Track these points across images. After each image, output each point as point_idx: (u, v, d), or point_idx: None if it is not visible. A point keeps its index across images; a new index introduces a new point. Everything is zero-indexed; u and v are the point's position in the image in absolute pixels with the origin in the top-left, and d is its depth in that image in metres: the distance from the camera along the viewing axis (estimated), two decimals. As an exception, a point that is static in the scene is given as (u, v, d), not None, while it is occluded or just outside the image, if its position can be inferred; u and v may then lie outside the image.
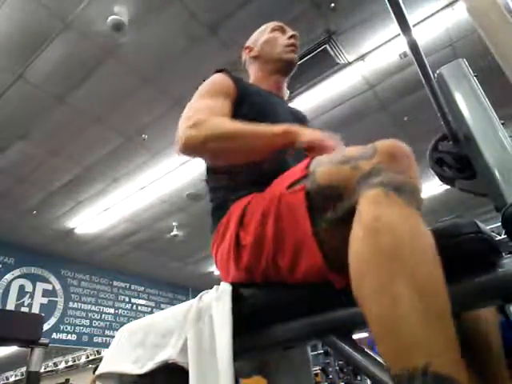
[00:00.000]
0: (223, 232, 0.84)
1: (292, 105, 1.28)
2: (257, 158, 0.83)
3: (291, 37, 1.17)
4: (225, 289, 0.75)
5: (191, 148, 0.83)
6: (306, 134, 0.78)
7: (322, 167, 0.65)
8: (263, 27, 1.25)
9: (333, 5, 2.80)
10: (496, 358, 0.68)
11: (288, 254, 0.67)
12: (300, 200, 0.65)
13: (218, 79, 1.02)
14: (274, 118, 0.93)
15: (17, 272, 5.37)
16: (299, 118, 1.14)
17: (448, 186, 0.89)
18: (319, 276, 0.63)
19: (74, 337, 5.73)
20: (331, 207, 0.61)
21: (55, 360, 9.36)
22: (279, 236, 0.68)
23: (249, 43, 1.25)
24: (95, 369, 5.46)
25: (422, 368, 0.39)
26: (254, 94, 1.03)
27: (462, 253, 0.54)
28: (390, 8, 0.79)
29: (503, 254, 0.54)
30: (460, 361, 0.41)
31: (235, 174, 0.92)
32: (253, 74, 1.21)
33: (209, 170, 1.04)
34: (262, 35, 1.22)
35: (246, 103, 0.98)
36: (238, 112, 0.96)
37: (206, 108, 0.91)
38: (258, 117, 0.89)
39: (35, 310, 5.32)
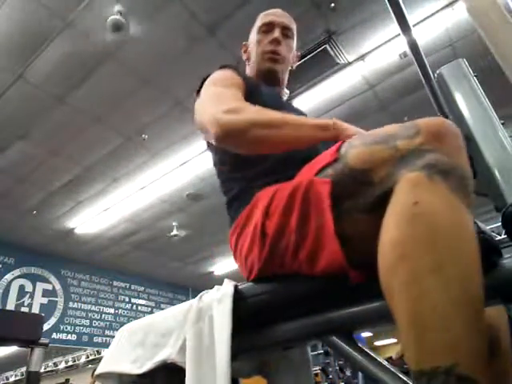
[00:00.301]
0: (244, 223, 0.80)
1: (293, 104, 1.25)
2: (298, 148, 0.77)
3: (272, 41, 1.08)
4: (227, 290, 0.75)
5: (233, 133, 0.76)
6: (351, 129, 0.74)
7: (354, 149, 0.59)
8: (258, 19, 1.18)
9: (333, 5, 2.80)
10: (505, 354, 0.66)
11: (308, 247, 0.63)
12: (327, 188, 0.59)
13: (228, 72, 0.99)
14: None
15: (17, 272, 5.38)
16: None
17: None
18: (338, 271, 0.59)
19: (73, 337, 5.74)
20: (361, 194, 0.55)
21: (55, 360, 9.36)
22: (303, 227, 0.64)
23: (248, 41, 1.20)
24: (93, 372, 5.45)
25: (447, 368, 0.38)
26: (261, 90, 1.00)
27: (461, 253, 0.53)
28: (389, 8, 0.79)
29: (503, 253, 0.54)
30: (486, 363, 0.39)
31: (253, 164, 0.88)
32: (250, 73, 1.15)
33: (219, 163, 1.00)
34: (253, 32, 1.16)
35: (255, 100, 0.92)
36: None
37: (232, 96, 0.87)
38: None
39: (35, 310, 5.33)
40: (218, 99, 0.85)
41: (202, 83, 1.00)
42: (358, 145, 0.60)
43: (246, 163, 0.89)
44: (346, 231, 0.58)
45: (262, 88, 1.02)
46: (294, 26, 1.15)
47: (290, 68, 1.17)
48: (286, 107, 1.03)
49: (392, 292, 0.45)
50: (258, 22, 1.16)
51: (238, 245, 0.83)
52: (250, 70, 1.15)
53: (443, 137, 0.51)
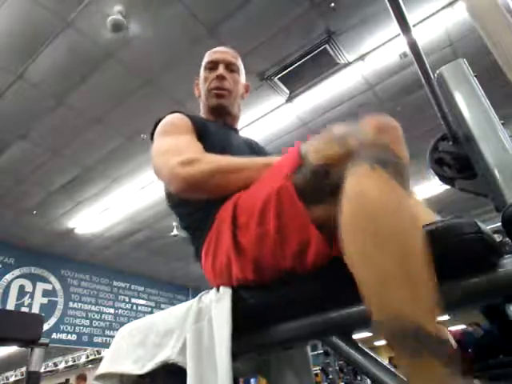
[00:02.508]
0: (215, 243, 0.81)
1: (243, 134, 1.24)
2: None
3: (217, 77, 1.13)
4: (225, 290, 0.75)
5: (194, 185, 0.80)
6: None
7: (312, 147, 0.67)
8: (204, 57, 1.22)
9: (333, 5, 2.80)
10: None
11: (293, 246, 0.66)
12: (294, 188, 0.66)
13: (177, 118, 1.01)
14: (231, 151, 0.93)
15: (17, 272, 5.38)
16: (253, 148, 1.14)
17: (448, 186, 0.89)
18: (327, 258, 0.63)
19: (73, 337, 5.74)
20: (323, 185, 0.63)
21: (55, 360, 9.37)
22: (283, 230, 0.67)
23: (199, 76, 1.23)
24: (79, 375, 5.39)
25: (402, 325, 0.45)
26: (210, 130, 1.02)
27: (461, 253, 0.54)
28: (390, 8, 0.79)
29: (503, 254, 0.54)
30: (432, 311, 0.46)
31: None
32: (202, 109, 1.19)
33: (175, 200, 1.02)
34: (202, 70, 1.21)
35: (205, 140, 0.96)
36: None
37: (186, 144, 0.90)
38: (217, 153, 0.88)
39: (35, 310, 5.33)
40: (174, 150, 0.88)
41: (155, 127, 1.02)
42: (316, 144, 0.68)
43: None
44: (322, 222, 0.64)
45: (209, 128, 1.04)
46: (238, 61, 1.21)
47: (240, 99, 1.21)
48: (234, 142, 1.07)
49: (351, 266, 0.53)
50: (205, 60, 1.21)
51: (215, 265, 0.81)
52: (202, 106, 1.20)
53: (382, 131, 0.61)
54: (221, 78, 1.13)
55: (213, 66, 1.17)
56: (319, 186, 0.63)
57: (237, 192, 0.81)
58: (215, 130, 1.05)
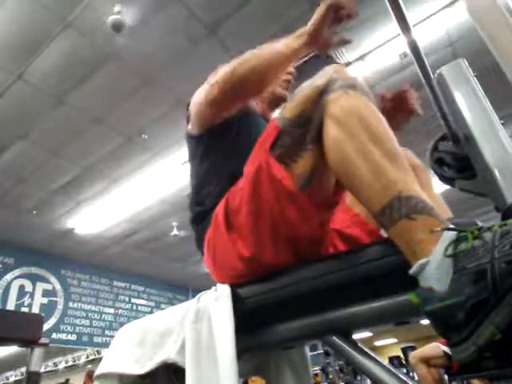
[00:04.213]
0: (213, 235, 0.83)
1: None
2: (286, 66, 0.91)
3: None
4: (223, 289, 0.75)
5: (227, 83, 0.85)
6: (313, 21, 0.84)
7: (286, 106, 0.75)
8: None
9: (333, 5, 2.79)
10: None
11: (290, 213, 0.71)
12: (275, 158, 0.72)
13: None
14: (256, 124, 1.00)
15: (17, 272, 5.38)
16: None
17: (448, 186, 0.89)
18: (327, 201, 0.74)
19: (73, 337, 5.74)
20: (307, 133, 0.69)
21: (55, 360, 9.36)
22: (280, 201, 0.71)
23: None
24: (87, 372, 5.41)
25: (398, 194, 0.55)
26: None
27: (461, 253, 0.53)
28: (389, 8, 0.79)
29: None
30: (416, 185, 0.58)
31: (219, 182, 0.91)
32: None
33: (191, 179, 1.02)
34: None
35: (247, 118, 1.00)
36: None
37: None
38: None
39: (35, 310, 5.33)
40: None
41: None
42: (287, 103, 0.75)
43: (215, 183, 0.93)
44: (305, 175, 0.70)
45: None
46: None
47: None
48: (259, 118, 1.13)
49: (345, 169, 0.62)
50: None
51: (216, 255, 0.83)
52: None
53: (338, 70, 0.72)
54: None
55: None
56: (301, 137, 0.69)
57: (266, 77, 0.88)
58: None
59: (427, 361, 2.60)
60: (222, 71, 0.87)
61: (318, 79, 0.71)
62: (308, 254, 0.75)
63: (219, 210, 0.81)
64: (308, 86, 0.71)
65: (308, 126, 0.69)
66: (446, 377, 2.72)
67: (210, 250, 0.85)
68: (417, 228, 0.53)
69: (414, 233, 0.53)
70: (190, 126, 1.03)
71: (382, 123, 0.64)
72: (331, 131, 0.64)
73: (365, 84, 0.70)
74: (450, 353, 0.48)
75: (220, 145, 0.96)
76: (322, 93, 0.67)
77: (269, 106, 1.18)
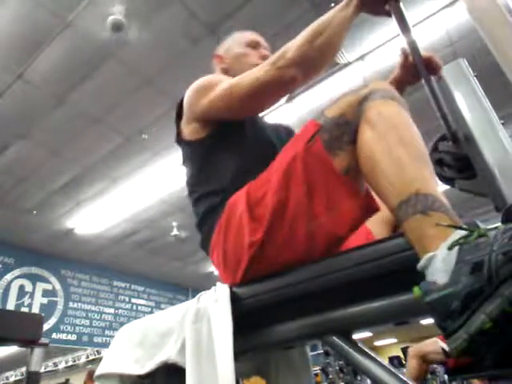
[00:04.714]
0: (225, 231, 0.82)
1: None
2: (343, 34, 1.00)
3: (263, 57, 1.11)
4: (223, 289, 0.75)
5: (309, 58, 0.93)
6: None
7: (328, 107, 0.78)
8: (238, 36, 1.21)
9: (333, 5, 2.79)
10: None
11: (323, 202, 0.74)
12: (320, 144, 0.75)
13: (213, 76, 1.05)
14: (262, 125, 1.03)
15: (17, 272, 5.37)
16: (283, 130, 1.22)
17: (448, 186, 0.89)
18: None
19: (74, 337, 5.74)
20: (345, 133, 0.73)
21: (55, 360, 9.36)
22: (311, 188, 0.74)
23: (221, 51, 1.20)
24: (88, 372, 5.42)
25: (416, 191, 0.58)
26: None
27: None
28: (389, 8, 0.79)
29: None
30: (436, 184, 0.61)
31: (224, 176, 0.92)
32: None
33: (192, 179, 1.02)
34: (235, 46, 1.18)
35: None
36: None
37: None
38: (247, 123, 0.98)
39: (35, 310, 5.32)
40: (244, 76, 0.96)
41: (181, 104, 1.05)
42: (329, 105, 0.79)
43: (219, 177, 0.94)
44: (344, 167, 0.73)
45: None
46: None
47: None
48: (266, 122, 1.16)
49: (372, 162, 0.67)
50: (247, 37, 1.20)
51: (228, 251, 0.82)
52: None
53: (383, 84, 0.76)
54: (265, 59, 1.13)
55: (255, 45, 1.18)
56: (340, 136, 0.73)
57: (332, 49, 1.00)
58: None
59: (425, 356, 2.61)
60: (292, 49, 0.91)
61: (363, 89, 0.75)
62: (319, 254, 0.73)
63: (238, 201, 0.81)
64: (352, 93, 0.76)
65: (346, 129, 0.73)
66: (446, 377, 2.72)
67: (219, 244, 0.84)
68: (430, 224, 0.54)
69: (426, 228, 0.55)
70: (185, 126, 1.02)
71: (412, 129, 0.68)
72: (365, 133, 0.69)
73: (402, 98, 0.76)
74: (447, 348, 0.48)
75: (231, 143, 0.97)
76: (362, 100, 0.72)
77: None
